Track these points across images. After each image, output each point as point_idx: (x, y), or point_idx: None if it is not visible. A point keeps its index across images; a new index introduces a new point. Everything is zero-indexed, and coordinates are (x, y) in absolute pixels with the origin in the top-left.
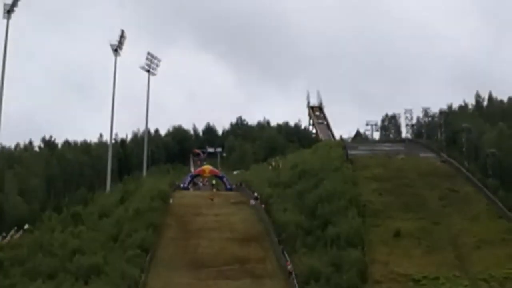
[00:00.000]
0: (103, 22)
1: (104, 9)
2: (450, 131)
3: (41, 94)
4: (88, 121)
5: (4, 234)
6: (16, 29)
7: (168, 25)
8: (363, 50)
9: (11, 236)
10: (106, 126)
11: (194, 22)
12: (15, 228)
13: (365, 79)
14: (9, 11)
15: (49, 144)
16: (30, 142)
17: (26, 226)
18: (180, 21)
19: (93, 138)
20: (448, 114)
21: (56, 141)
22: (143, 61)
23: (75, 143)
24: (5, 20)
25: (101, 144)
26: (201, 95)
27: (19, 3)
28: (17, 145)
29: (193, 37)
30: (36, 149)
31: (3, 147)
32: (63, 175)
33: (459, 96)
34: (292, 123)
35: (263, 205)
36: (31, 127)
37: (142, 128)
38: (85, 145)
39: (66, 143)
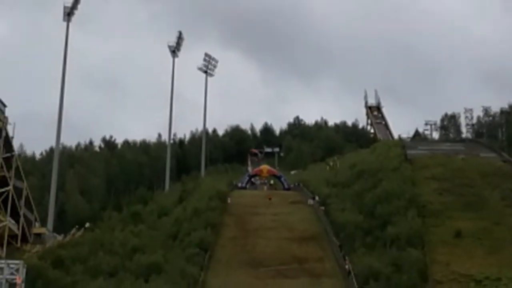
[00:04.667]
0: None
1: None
2: (511, 130)
3: (101, 95)
4: (147, 121)
5: (66, 233)
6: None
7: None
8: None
9: (73, 235)
10: (165, 126)
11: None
12: (76, 226)
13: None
14: (69, 14)
15: (109, 144)
16: (91, 142)
17: (87, 225)
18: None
19: (151, 138)
20: (509, 114)
21: (116, 141)
22: (200, 62)
23: (134, 143)
24: (65, 23)
25: (160, 144)
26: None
27: (79, 6)
28: (78, 145)
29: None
30: (97, 149)
31: (65, 147)
32: (122, 174)
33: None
34: (349, 123)
35: (322, 207)
36: (91, 127)
37: (200, 128)
38: (144, 145)
39: (126, 143)
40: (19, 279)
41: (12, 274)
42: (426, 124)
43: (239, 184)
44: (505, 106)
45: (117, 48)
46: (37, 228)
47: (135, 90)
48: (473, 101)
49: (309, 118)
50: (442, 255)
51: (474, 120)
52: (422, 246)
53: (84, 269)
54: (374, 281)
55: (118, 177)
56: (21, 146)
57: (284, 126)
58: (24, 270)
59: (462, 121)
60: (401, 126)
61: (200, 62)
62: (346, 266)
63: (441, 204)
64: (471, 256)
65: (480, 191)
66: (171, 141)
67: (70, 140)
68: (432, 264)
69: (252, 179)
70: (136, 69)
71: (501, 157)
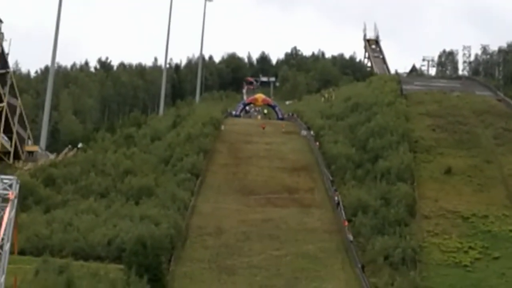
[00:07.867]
0: None
1: None
2: (508, 69)
3: (99, 16)
4: (144, 44)
5: (58, 152)
6: None
7: None
8: None
9: (65, 154)
10: (162, 51)
11: None
12: (69, 146)
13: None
14: None
15: (104, 65)
16: (86, 63)
17: (80, 145)
18: None
19: (148, 62)
20: (507, 53)
21: (112, 63)
22: None
23: (130, 66)
24: None
25: (156, 68)
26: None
27: None
28: (73, 65)
29: None
30: (92, 69)
31: (60, 67)
32: (117, 96)
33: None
34: (347, 55)
35: (317, 143)
36: (87, 47)
37: (196, 54)
38: (140, 68)
39: (122, 65)
40: (12, 194)
41: (5, 189)
42: (423, 60)
43: (233, 112)
44: (504, 45)
45: None
46: (29, 146)
47: (134, 13)
48: (472, 39)
49: (307, 49)
50: (431, 191)
51: (472, 58)
52: (412, 181)
53: (75, 189)
54: (362, 213)
55: (113, 99)
56: (16, 63)
57: (281, 56)
58: (18, 186)
59: (460, 58)
60: (398, 61)
61: None
62: (336, 198)
63: (434, 140)
64: (460, 193)
65: (473, 129)
66: (167, 66)
67: (65, 59)
68: (421, 199)
69: (247, 108)
70: None
71: (496, 96)
